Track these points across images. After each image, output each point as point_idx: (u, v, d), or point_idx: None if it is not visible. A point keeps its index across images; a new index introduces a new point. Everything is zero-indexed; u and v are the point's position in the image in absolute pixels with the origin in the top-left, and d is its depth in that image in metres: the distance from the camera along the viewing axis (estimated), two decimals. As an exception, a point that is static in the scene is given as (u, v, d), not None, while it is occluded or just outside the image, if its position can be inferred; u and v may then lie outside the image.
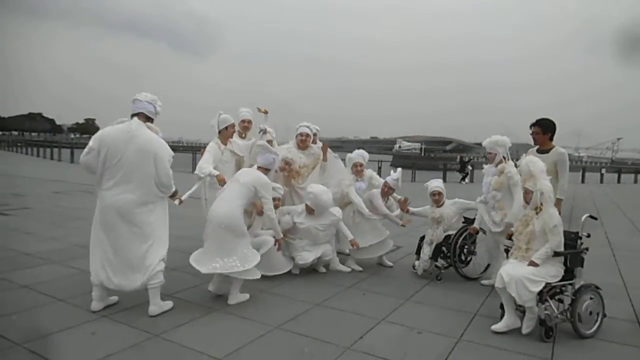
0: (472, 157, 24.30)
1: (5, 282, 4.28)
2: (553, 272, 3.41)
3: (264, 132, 5.32)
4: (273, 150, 4.55)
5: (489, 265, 4.85)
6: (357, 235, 5.05)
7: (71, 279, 4.40)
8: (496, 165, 4.50)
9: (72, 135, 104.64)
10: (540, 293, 3.33)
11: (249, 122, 5.26)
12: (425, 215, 5.04)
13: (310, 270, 4.96)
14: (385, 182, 5.25)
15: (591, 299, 3.45)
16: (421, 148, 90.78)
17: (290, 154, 5.20)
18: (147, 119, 3.66)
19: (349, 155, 5.38)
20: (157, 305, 3.63)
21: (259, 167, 4.33)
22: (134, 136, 3.51)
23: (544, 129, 4.50)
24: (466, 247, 4.89)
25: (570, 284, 3.50)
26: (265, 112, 5.45)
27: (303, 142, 5.35)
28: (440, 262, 4.90)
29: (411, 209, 5.20)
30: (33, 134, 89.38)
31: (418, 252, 5.03)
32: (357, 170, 5.25)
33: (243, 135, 5.25)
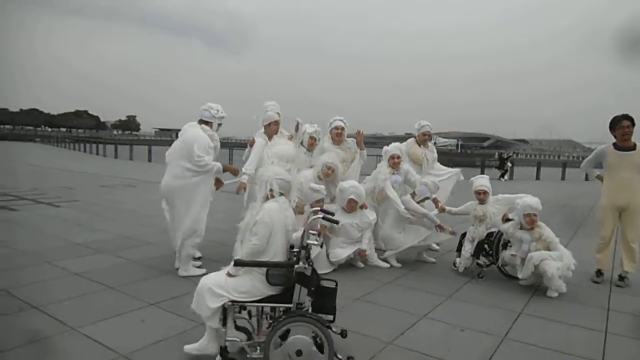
0: (511, 154, 23.58)
1: (59, 269, 4.51)
2: (245, 287, 2.67)
3: (298, 124, 5.24)
4: (318, 189, 4.62)
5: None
6: (397, 234, 5.08)
7: (120, 268, 4.59)
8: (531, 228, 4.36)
9: (115, 132, 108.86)
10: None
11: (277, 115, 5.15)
12: (467, 212, 4.94)
13: (348, 265, 4.97)
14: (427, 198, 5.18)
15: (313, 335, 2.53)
16: (457, 144, 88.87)
17: (331, 158, 5.14)
18: (206, 122, 4.58)
19: (385, 147, 5.32)
20: (184, 269, 4.44)
21: None
22: (183, 133, 4.51)
23: (633, 123, 4.45)
24: (509, 245, 4.76)
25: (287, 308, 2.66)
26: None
27: (338, 136, 5.35)
28: (482, 259, 4.80)
29: (452, 209, 5.10)
30: (79, 130, 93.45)
31: (459, 250, 4.94)
32: (394, 162, 5.19)
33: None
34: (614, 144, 4.57)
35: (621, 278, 4.58)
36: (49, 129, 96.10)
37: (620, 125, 4.47)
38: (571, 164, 27.69)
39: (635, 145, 4.48)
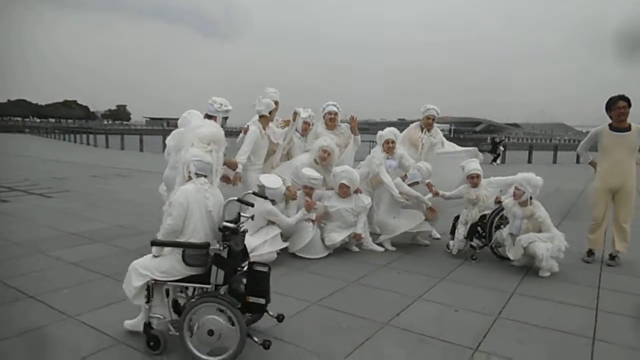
0: (503, 138, 23.68)
1: (54, 259, 4.51)
2: (165, 267, 2.72)
3: (296, 115, 5.29)
4: (315, 177, 4.83)
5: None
6: (391, 219, 5.13)
7: (115, 257, 4.58)
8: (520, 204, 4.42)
9: (106, 122, 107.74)
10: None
11: (276, 102, 5.24)
12: (461, 196, 4.98)
13: (343, 250, 5.01)
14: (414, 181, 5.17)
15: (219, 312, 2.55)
16: (450, 129, 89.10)
17: (327, 142, 5.11)
18: (210, 117, 4.35)
19: (379, 132, 5.31)
20: None
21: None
22: (183, 122, 4.44)
23: (629, 104, 4.46)
24: (502, 226, 4.81)
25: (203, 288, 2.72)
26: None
27: (332, 121, 5.34)
28: (476, 242, 4.85)
29: (445, 193, 5.12)
30: (69, 120, 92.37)
31: (453, 232, 5.00)
32: (389, 147, 5.20)
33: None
34: (610, 125, 4.59)
35: (612, 257, 4.66)
36: (38, 120, 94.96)
37: (616, 105, 4.48)
38: (563, 147, 27.94)
39: (630, 126, 4.50)
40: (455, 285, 4.03)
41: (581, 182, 11.91)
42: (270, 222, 4.58)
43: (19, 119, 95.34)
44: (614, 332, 3.09)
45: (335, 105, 5.35)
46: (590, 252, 4.80)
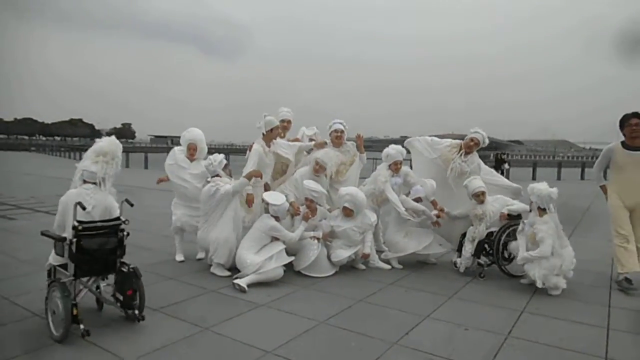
0: (507, 154, 23.67)
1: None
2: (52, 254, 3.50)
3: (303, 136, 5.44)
4: (315, 189, 4.86)
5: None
6: (400, 238, 5.12)
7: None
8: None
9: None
10: None
11: (289, 122, 5.33)
12: (467, 214, 4.96)
13: (349, 267, 4.99)
14: (419, 197, 5.14)
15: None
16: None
17: (324, 155, 5.12)
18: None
19: (386, 150, 5.33)
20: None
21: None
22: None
23: None
24: (510, 244, 4.79)
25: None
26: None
27: (338, 139, 5.37)
28: (483, 259, 4.82)
29: (451, 212, 5.12)
30: (74, 139, 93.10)
31: (459, 249, 4.97)
32: (396, 167, 5.23)
33: (282, 135, 5.33)
34: (622, 143, 4.49)
35: (629, 281, 4.32)
36: (44, 138, 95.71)
37: (629, 122, 4.38)
38: (566, 164, 27.87)
39: None
40: (464, 304, 3.99)
41: (587, 199, 11.86)
42: (274, 238, 4.57)
43: (26, 137, 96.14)
44: (625, 351, 3.05)
45: (341, 124, 5.39)
46: (628, 280, 4.30)
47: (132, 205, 3.52)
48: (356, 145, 5.49)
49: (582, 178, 20.77)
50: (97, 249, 3.20)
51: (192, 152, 5.09)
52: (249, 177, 4.74)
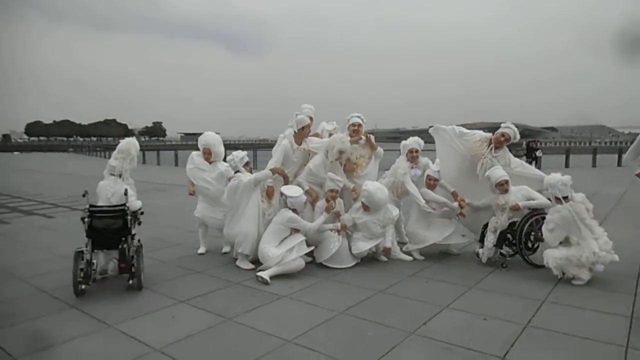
0: (540, 142, 23.03)
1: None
2: None
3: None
4: (334, 179, 4.94)
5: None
6: (422, 230, 5.15)
7: (151, 268, 4.76)
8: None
9: (143, 139, 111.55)
10: None
11: (310, 118, 5.38)
12: (490, 204, 4.91)
13: (371, 259, 5.04)
14: (428, 175, 5.17)
15: None
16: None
17: (343, 144, 5.06)
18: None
19: (403, 142, 5.35)
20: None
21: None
22: None
23: None
24: (532, 233, 4.73)
25: None
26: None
27: (356, 132, 5.37)
28: (506, 249, 4.78)
29: (473, 203, 5.08)
30: (109, 138, 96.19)
31: (482, 240, 4.94)
32: (412, 156, 5.23)
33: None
34: None
35: None
36: (81, 139, 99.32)
37: None
38: (602, 150, 26.85)
39: None
40: (485, 294, 3.99)
41: (622, 186, 11.45)
42: (294, 231, 4.67)
43: (64, 138, 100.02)
44: (650, 341, 2.99)
45: (359, 117, 5.41)
46: None
47: (83, 195, 4.10)
48: (369, 144, 5.44)
49: (619, 164, 20.00)
50: (104, 228, 3.98)
51: (207, 155, 5.31)
52: (273, 171, 4.87)
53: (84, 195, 4.07)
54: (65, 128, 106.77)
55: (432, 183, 5.17)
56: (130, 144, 4.67)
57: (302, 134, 5.14)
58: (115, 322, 3.41)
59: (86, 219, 3.94)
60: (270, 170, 4.88)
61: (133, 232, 4.19)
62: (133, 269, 4.00)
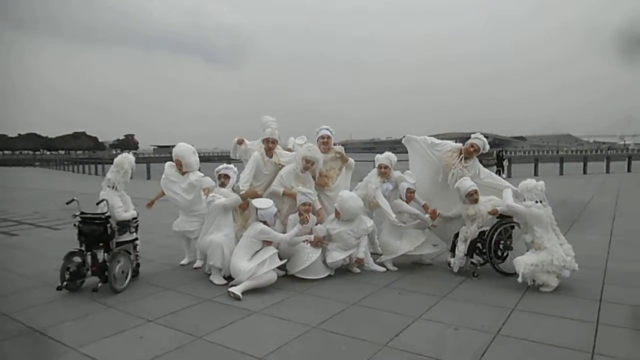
0: (506, 150, 23.70)
1: (60, 291, 4.56)
2: None
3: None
4: (305, 192, 4.95)
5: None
6: (394, 240, 5.17)
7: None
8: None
9: (114, 151, 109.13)
10: None
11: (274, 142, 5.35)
12: (460, 214, 5.00)
13: (344, 271, 5.03)
14: (408, 188, 5.21)
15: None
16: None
17: (310, 152, 5.06)
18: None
19: (377, 156, 5.41)
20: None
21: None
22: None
23: None
24: (502, 242, 4.83)
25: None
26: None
27: (325, 145, 5.41)
28: (476, 258, 4.85)
29: (443, 213, 5.16)
30: (78, 152, 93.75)
31: (453, 250, 5.00)
32: (382, 172, 5.29)
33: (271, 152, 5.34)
34: None
35: None
36: (48, 152, 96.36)
37: None
38: (569, 158, 27.79)
39: None
40: (456, 304, 4.03)
41: (588, 194, 11.87)
42: (266, 243, 4.63)
43: (30, 152, 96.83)
44: (613, 345, 3.08)
45: (328, 129, 5.46)
46: None
47: (67, 203, 4.65)
48: (340, 158, 5.49)
49: (585, 172, 20.72)
50: (89, 233, 4.39)
51: (179, 166, 5.30)
52: (244, 197, 4.89)
53: (67, 203, 4.63)
54: (32, 141, 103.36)
55: (411, 195, 5.23)
56: (124, 158, 4.88)
57: (271, 144, 5.23)
58: (79, 345, 3.27)
59: (77, 224, 4.41)
60: (241, 195, 4.87)
61: (130, 238, 4.77)
62: (106, 273, 4.32)
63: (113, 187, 4.70)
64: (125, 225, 4.66)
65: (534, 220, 4.36)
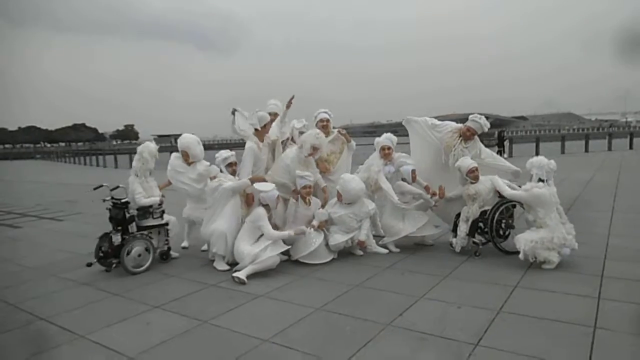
0: (506, 130, 23.68)
1: (65, 281, 4.62)
2: None
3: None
4: (303, 175, 4.91)
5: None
6: (396, 222, 5.17)
7: (124, 274, 4.66)
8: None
9: (114, 142, 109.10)
10: None
11: (276, 114, 5.40)
12: (461, 194, 5.00)
13: (347, 254, 5.06)
14: (413, 170, 5.18)
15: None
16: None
17: (318, 139, 5.08)
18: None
19: (376, 139, 5.38)
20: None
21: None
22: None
23: None
24: (504, 221, 4.84)
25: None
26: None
27: (325, 128, 5.40)
28: (478, 238, 4.87)
29: (446, 194, 5.15)
30: (78, 143, 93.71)
31: (454, 230, 5.02)
32: (385, 153, 5.27)
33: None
34: None
35: None
36: (48, 145, 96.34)
37: None
38: (571, 137, 27.72)
39: None
40: (459, 283, 4.06)
41: (589, 172, 11.84)
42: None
43: (31, 145, 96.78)
44: (614, 319, 3.10)
45: (327, 112, 5.44)
46: None
47: (94, 189, 5.22)
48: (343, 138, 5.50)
49: (587, 150, 20.67)
50: (114, 217, 4.76)
51: (185, 157, 5.28)
52: (252, 180, 4.84)
53: (95, 189, 5.23)
54: (32, 134, 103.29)
55: (415, 176, 5.23)
56: (144, 147, 5.12)
57: (264, 130, 5.20)
58: (87, 332, 3.31)
59: (108, 208, 4.84)
60: (249, 178, 4.86)
61: (155, 223, 4.98)
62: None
63: (136, 175, 4.97)
64: (146, 211, 4.91)
65: (536, 202, 4.34)
